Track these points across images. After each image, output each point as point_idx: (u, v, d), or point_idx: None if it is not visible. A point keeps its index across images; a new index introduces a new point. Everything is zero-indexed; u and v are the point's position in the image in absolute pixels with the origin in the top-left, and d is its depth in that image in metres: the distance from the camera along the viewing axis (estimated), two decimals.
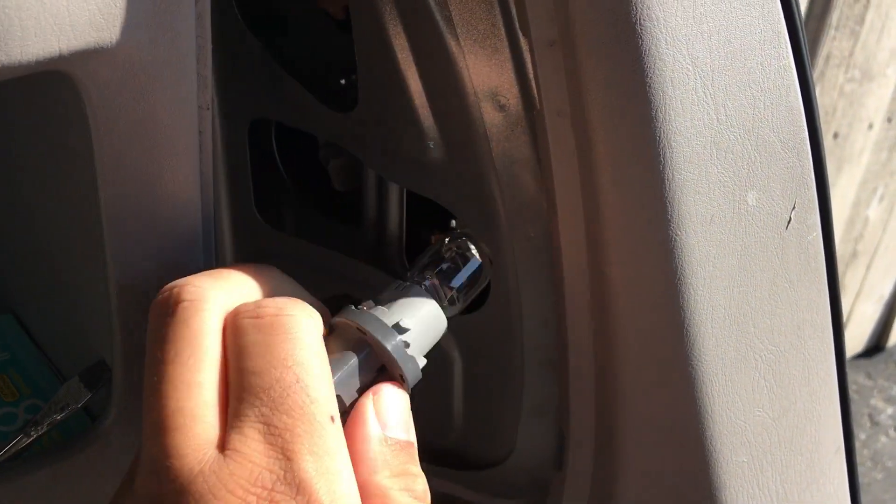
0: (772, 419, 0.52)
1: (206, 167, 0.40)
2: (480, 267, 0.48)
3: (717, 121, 0.43)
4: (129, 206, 0.39)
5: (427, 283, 0.43)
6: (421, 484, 0.33)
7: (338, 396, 0.33)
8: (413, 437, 0.35)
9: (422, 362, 0.39)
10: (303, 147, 0.66)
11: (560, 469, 0.55)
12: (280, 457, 0.28)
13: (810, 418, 0.54)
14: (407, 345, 0.37)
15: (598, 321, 0.48)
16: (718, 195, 0.44)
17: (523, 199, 0.50)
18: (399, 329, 0.38)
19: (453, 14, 0.46)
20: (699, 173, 0.43)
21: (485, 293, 0.56)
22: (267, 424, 0.29)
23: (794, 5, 0.46)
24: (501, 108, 0.48)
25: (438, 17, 0.47)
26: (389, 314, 0.38)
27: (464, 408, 0.62)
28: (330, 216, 0.67)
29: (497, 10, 0.45)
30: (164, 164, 0.39)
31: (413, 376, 0.38)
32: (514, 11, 0.44)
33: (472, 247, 0.48)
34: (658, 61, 0.40)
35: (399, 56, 0.50)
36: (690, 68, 0.41)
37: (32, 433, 0.47)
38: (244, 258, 0.69)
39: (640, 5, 0.39)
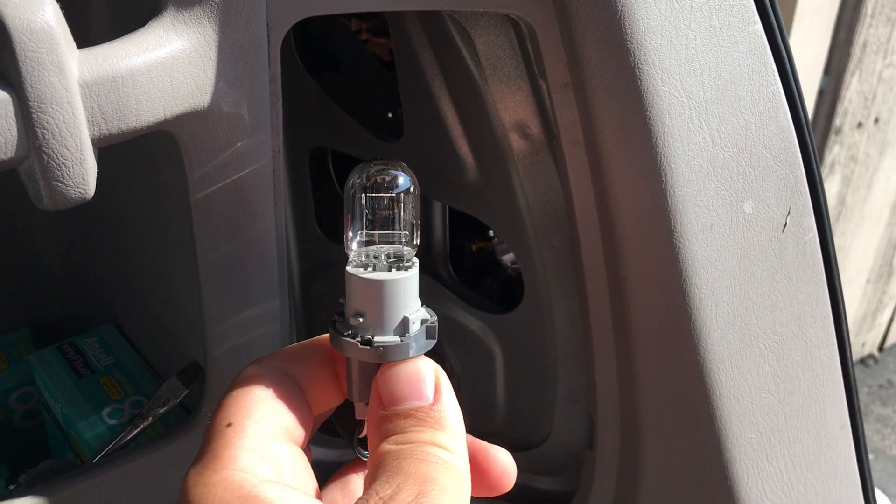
0: (777, 400, 0.58)
1: (279, 199, 0.48)
2: (408, 184, 0.38)
3: (713, 143, 0.50)
4: (217, 234, 0.47)
5: (365, 248, 0.38)
6: (441, 438, 0.35)
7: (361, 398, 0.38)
8: (424, 399, 0.36)
9: (410, 318, 0.36)
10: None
11: (592, 449, 0.62)
12: None
13: (815, 399, 0.60)
14: (365, 339, 0.36)
15: (617, 318, 0.55)
16: (717, 206, 0.51)
17: (548, 213, 0.57)
18: (354, 326, 0.36)
19: (482, 59, 0.54)
20: (698, 189, 0.50)
21: (520, 295, 0.63)
22: None
23: (779, 38, 0.52)
24: (526, 137, 0.55)
25: (469, 61, 0.54)
26: (348, 309, 0.37)
27: (506, 396, 0.69)
28: None
29: (519, 57, 0.52)
30: (245, 200, 0.47)
31: (399, 352, 0.36)
32: (532, 58, 0.51)
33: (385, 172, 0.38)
34: (656, 97, 0.47)
35: (437, 93, 0.58)
36: (685, 101, 0.48)
37: (140, 424, 0.56)
38: (308, 268, 0.78)
39: (637, 51, 0.46)
